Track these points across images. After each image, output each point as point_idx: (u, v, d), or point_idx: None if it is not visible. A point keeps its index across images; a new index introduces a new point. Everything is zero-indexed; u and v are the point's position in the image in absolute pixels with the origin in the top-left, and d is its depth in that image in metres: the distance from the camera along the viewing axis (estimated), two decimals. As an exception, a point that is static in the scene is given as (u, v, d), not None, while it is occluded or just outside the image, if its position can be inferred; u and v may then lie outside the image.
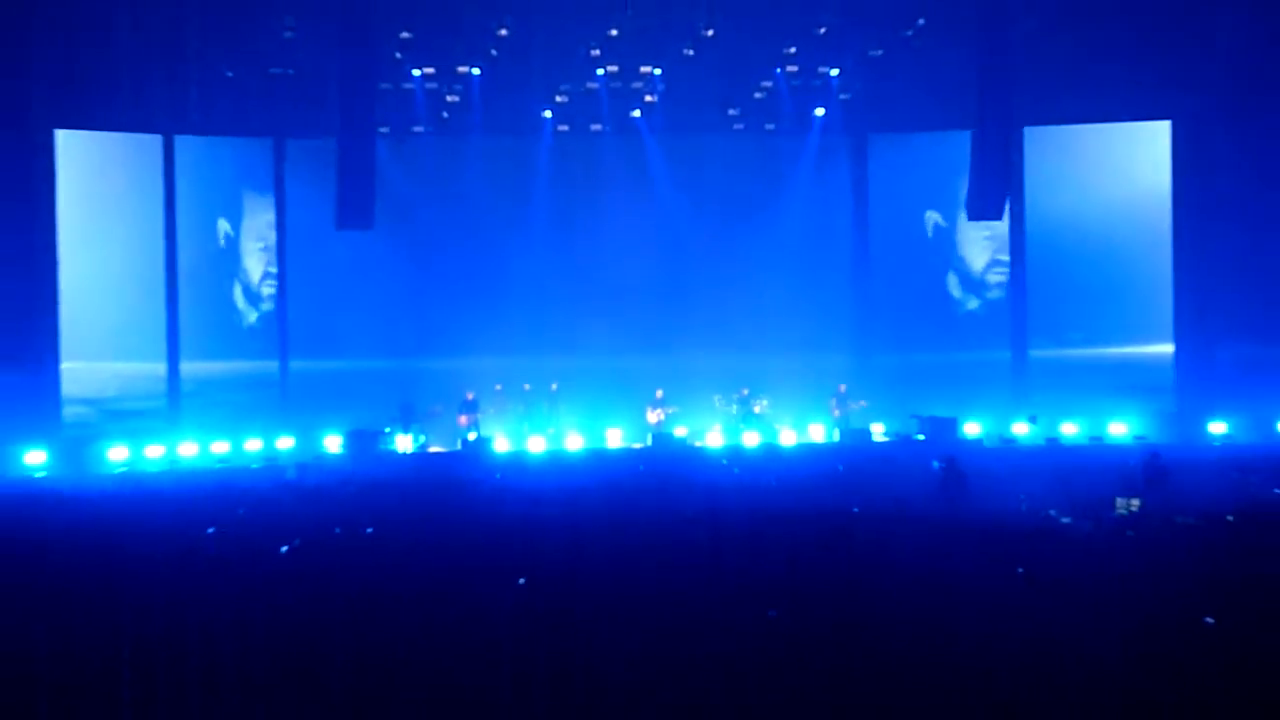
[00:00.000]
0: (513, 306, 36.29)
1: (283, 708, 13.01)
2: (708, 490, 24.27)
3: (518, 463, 31.47)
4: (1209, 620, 13.66)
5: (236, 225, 36.71)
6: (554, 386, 35.29)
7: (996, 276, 38.05)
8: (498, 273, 36.85)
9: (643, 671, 13.25)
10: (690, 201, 37.25)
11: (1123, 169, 35.87)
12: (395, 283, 37.16)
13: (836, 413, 34.93)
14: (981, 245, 38.01)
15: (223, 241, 36.41)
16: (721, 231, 37.40)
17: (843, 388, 35.37)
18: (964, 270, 38.43)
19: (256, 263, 36.72)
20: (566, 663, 13.20)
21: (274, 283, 36.84)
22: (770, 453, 32.51)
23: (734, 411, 34.81)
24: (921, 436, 32.42)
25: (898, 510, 21.16)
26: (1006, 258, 37.53)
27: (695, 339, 36.21)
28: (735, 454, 32.07)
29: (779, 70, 35.85)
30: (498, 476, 28.95)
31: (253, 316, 36.76)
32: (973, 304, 38.34)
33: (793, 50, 35.39)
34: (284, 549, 18.66)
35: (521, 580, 15.79)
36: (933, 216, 37.82)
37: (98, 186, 34.40)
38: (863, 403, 35.04)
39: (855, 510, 20.82)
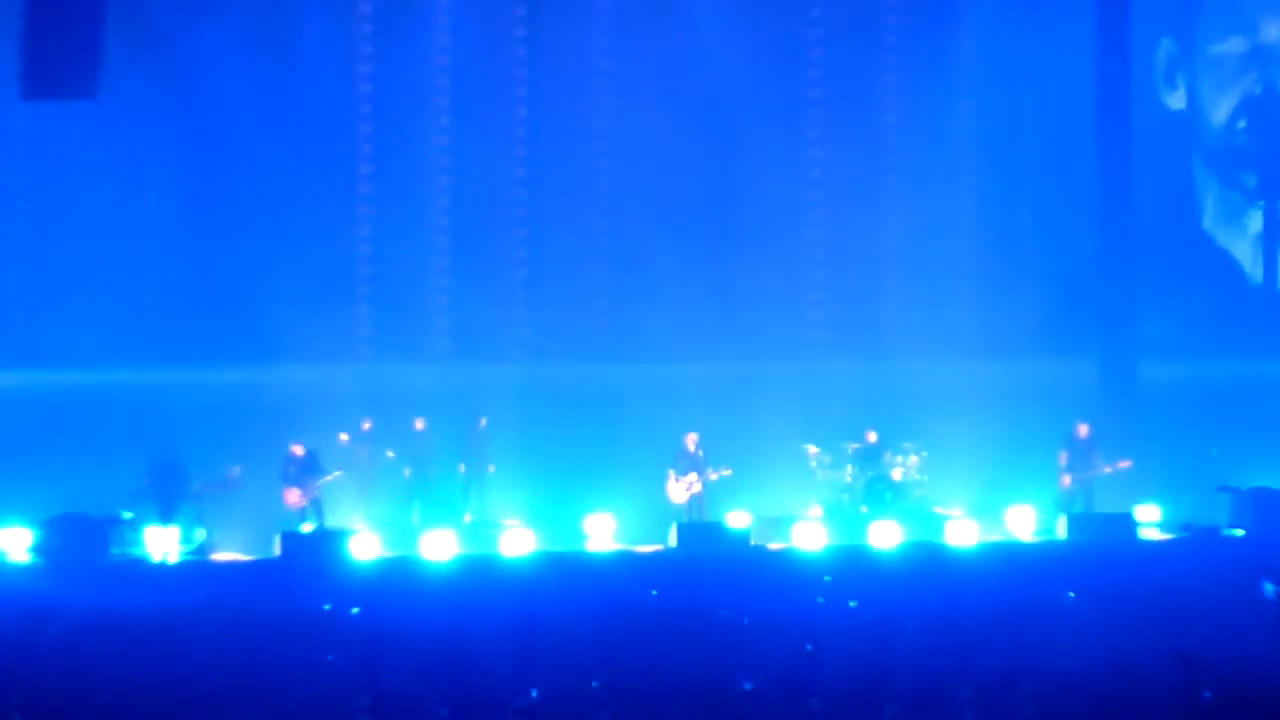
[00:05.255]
0: (381, 268, 29.00)
1: None
2: (793, 656, 21.95)
3: (395, 583, 24.83)
4: None
5: None
6: (482, 422, 27.84)
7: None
8: (337, 209, 29.05)
9: None
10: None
11: None
12: (145, 234, 29.37)
13: (1067, 480, 27.47)
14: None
15: None
16: (793, 110, 29.49)
17: (1083, 429, 27.71)
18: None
19: None
20: None
21: None
22: (929, 561, 25.60)
23: (849, 477, 28.03)
24: (1239, 531, 26.71)
25: (1197, 677, 20.12)
26: None
27: (762, 331, 28.83)
28: (852, 563, 25.65)
29: None
30: (354, 611, 23.85)
31: None
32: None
33: None
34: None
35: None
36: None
37: None
38: (1124, 463, 27.41)
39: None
